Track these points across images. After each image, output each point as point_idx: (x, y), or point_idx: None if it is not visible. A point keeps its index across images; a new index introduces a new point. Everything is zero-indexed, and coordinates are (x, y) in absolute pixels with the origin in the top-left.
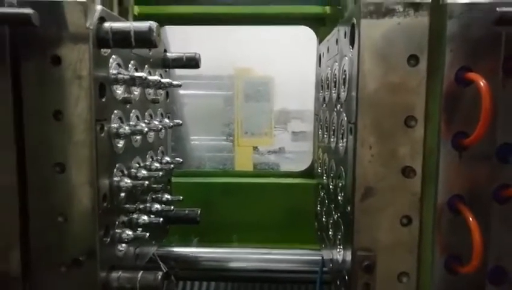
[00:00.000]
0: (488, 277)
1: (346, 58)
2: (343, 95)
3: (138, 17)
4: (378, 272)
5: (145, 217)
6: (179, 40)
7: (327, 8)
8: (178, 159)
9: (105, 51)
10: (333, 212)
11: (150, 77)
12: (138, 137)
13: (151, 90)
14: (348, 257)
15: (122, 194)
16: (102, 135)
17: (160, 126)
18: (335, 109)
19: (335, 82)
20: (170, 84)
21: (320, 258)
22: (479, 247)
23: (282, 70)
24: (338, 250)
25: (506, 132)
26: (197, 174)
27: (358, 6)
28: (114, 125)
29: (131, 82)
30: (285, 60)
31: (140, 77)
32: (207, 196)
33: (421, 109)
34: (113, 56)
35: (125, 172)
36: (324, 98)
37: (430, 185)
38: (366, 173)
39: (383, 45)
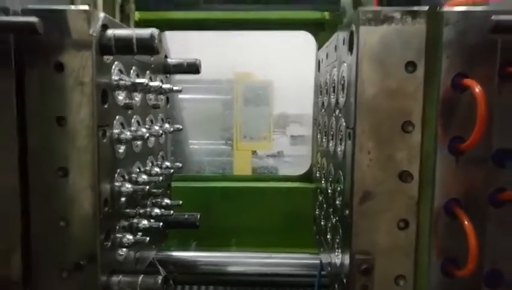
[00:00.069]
0: (484, 280)
1: (345, 64)
2: (341, 100)
3: (139, 23)
4: (376, 275)
5: (145, 222)
6: (179, 45)
7: (326, 14)
8: (178, 163)
9: (107, 58)
10: (331, 216)
11: (151, 83)
12: (139, 142)
13: (152, 96)
14: (346, 260)
15: (123, 199)
16: (104, 140)
17: (160, 131)
18: (334, 114)
19: (334, 87)
20: (171, 90)
21: (319, 261)
22: (474, 250)
23: (282, 74)
24: (336, 253)
25: (502, 137)
26: (197, 178)
27: (357, 13)
28: (116, 130)
29: (132, 88)
30: (285, 65)
31: (141, 83)
32: (206, 201)
33: (418, 115)
34: (115, 62)
35: (126, 177)
36: (323, 103)
37: (427, 189)
38: (364, 177)
39: (381, 51)
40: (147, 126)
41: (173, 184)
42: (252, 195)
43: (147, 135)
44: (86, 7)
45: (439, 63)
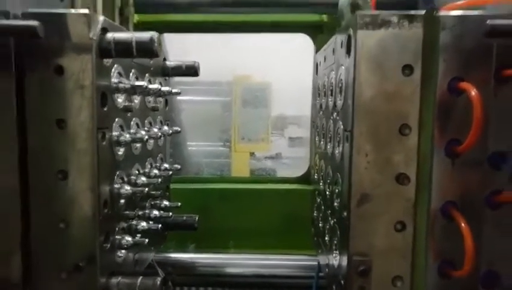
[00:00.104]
0: (480, 281)
1: (343, 67)
2: (339, 103)
3: (137, 25)
4: (373, 277)
5: (144, 224)
6: (178, 48)
7: (324, 17)
8: (176, 165)
9: (107, 61)
10: (329, 218)
11: (150, 86)
12: (138, 145)
13: (151, 98)
14: (344, 261)
15: (122, 201)
16: (104, 143)
17: (159, 134)
18: (331, 117)
19: (331, 90)
20: (170, 92)
21: (317, 263)
22: (471, 252)
23: (280, 76)
24: (334, 255)
25: (498, 140)
26: (195, 180)
27: (354, 17)
28: (115, 133)
29: (132, 91)
30: (283, 67)
31: (141, 86)
32: (204, 202)
33: (415, 117)
34: (115, 65)
35: (125, 179)
36: (321, 106)
37: (424, 192)
38: (362, 179)
39: (378, 54)
40: (146, 128)
41: (171, 186)
42: (250, 197)
43: (146, 137)
44: (86, 11)
45: (435, 66)
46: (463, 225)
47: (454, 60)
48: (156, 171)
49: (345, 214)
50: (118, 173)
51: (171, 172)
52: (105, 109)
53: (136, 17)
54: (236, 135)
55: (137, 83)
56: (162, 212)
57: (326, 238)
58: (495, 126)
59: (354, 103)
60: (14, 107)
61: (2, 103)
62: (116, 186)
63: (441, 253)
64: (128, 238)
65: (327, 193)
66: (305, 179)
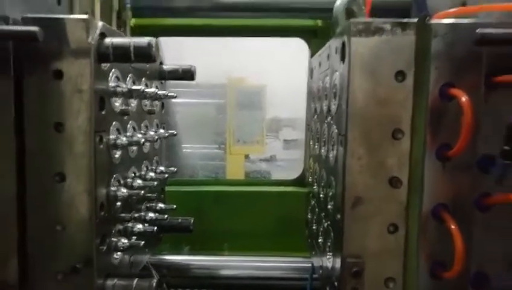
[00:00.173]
0: (470, 282)
1: (337, 73)
2: (333, 107)
3: (134, 29)
4: (366, 278)
5: (140, 226)
6: (173, 50)
7: (319, 22)
8: (172, 168)
9: (105, 65)
10: (323, 220)
11: (147, 90)
12: (134, 148)
13: (147, 102)
14: (338, 263)
15: (119, 204)
16: (101, 146)
17: (156, 137)
18: (326, 121)
19: (326, 95)
20: (166, 96)
21: (311, 265)
22: (461, 253)
23: (275, 79)
24: (328, 257)
25: (487, 144)
26: (190, 183)
27: (348, 25)
28: (112, 136)
29: (129, 95)
30: (278, 70)
31: (138, 90)
32: (199, 205)
33: (408, 122)
34: (113, 70)
35: (122, 182)
36: (315, 110)
37: (416, 195)
38: (356, 183)
39: (372, 61)
40: (142, 132)
41: (166, 188)
42: (245, 199)
43: (143, 140)
44: (85, 16)
45: (427, 73)
46: (453, 227)
47: (446, 67)
48: (152, 174)
49: (339, 216)
50: (114, 175)
51: (167, 175)
52: (102, 112)
53: (132, 21)
54: (231, 137)
55: (135, 87)
56: (157, 214)
57: (320, 240)
58: (484, 131)
59: (348, 108)
60: (13, 110)
61: (1, 105)
62: (112, 189)
63: (433, 254)
64: (124, 241)
65: (321, 195)
66: (299, 181)
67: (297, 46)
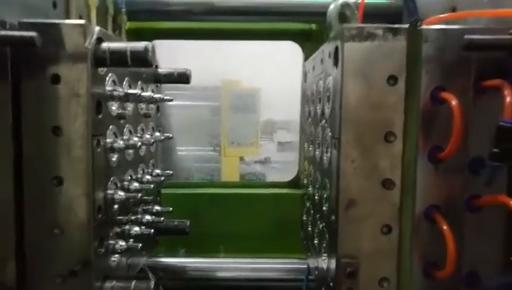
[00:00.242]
0: (463, 281)
1: (331, 77)
2: (327, 111)
3: (128, 32)
4: (361, 278)
5: (136, 228)
6: (168, 51)
7: (312, 25)
8: (168, 171)
9: (102, 70)
10: (318, 222)
11: (143, 94)
12: (131, 151)
13: (143, 105)
14: (333, 264)
15: (116, 206)
16: (99, 149)
17: (152, 140)
18: (320, 124)
19: (320, 98)
20: (162, 99)
21: (306, 266)
22: (452, 253)
23: (269, 82)
24: (323, 258)
25: (477, 146)
26: (185, 185)
27: (342, 30)
28: (109, 140)
29: (125, 98)
30: (272, 73)
31: (134, 94)
32: (194, 207)
33: (400, 125)
34: (109, 74)
35: (119, 185)
36: (309, 113)
37: (408, 196)
38: (349, 185)
39: (364, 65)
40: (138, 135)
41: (162, 191)
42: (240, 201)
43: (139, 144)
44: (82, 21)
45: (418, 77)
46: (445, 227)
47: (437, 71)
48: (148, 176)
49: (333, 218)
50: (111, 179)
51: (163, 178)
52: (100, 116)
53: (127, 24)
54: (225, 139)
55: (131, 91)
56: (154, 217)
57: (315, 241)
58: (475, 133)
59: (342, 112)
60: (10, 114)
61: None
62: (109, 192)
63: (425, 254)
64: (122, 243)
65: (316, 197)
66: (294, 183)
67: (291, 49)
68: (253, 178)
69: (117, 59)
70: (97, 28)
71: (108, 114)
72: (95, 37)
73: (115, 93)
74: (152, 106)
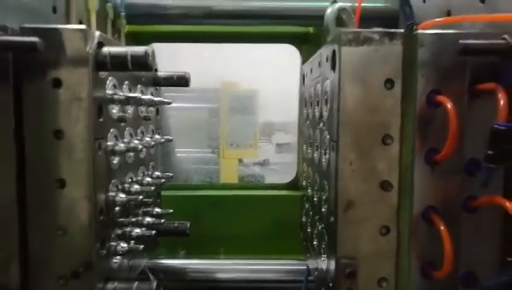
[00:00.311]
0: (460, 281)
1: (328, 80)
2: (325, 114)
3: (128, 35)
4: (360, 278)
5: (138, 230)
6: (167, 54)
7: (310, 28)
8: (168, 173)
9: (102, 74)
10: (317, 223)
11: (143, 97)
12: (131, 153)
13: (143, 108)
14: (332, 265)
15: (117, 208)
16: (100, 152)
17: (152, 143)
18: (318, 126)
19: (318, 101)
20: (161, 102)
21: (306, 267)
22: (450, 254)
23: (267, 84)
24: (322, 259)
25: (473, 148)
26: (185, 187)
27: (339, 34)
28: (110, 143)
29: (126, 102)
30: (270, 75)
31: (134, 97)
32: (194, 209)
33: (397, 128)
34: (110, 78)
35: (120, 187)
36: (308, 115)
37: (406, 198)
38: (348, 186)
39: (361, 69)
40: (138, 138)
41: (162, 193)
42: (239, 203)
43: (140, 146)
44: (83, 26)
45: (415, 80)
46: (442, 228)
47: (432, 75)
48: (148, 179)
49: (332, 219)
50: (113, 181)
51: (163, 180)
52: (101, 119)
53: (126, 28)
54: (224, 141)
55: (131, 94)
56: (154, 219)
57: (314, 242)
58: (470, 136)
59: (339, 115)
60: (12, 118)
61: (0, 114)
62: (111, 194)
63: (423, 255)
64: (124, 245)
65: (315, 199)
66: (293, 185)
67: (289, 52)
68: (252, 180)
69: (118, 63)
70: (98, 33)
71: (109, 117)
72: (95, 41)
73: (116, 96)
74: (152, 108)
